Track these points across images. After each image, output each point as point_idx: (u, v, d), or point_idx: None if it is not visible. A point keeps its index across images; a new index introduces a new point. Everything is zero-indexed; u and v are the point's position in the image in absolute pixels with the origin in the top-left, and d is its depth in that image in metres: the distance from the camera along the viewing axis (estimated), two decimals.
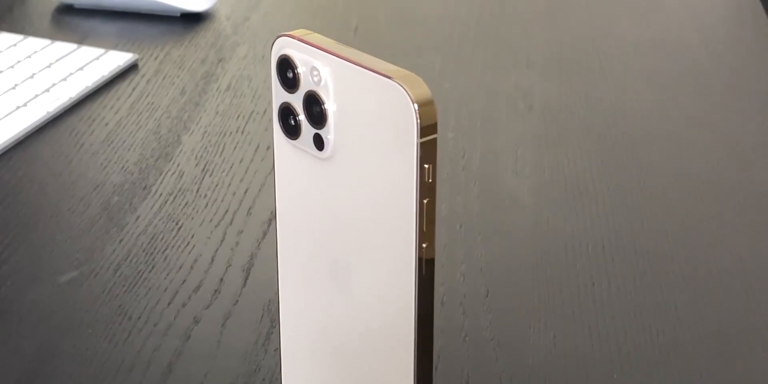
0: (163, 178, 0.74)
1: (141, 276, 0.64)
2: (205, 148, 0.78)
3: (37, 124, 0.80)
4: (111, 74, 0.88)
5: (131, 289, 0.62)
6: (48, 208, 0.71)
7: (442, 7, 1.04)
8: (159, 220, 0.69)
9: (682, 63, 0.93)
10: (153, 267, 0.64)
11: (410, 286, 0.43)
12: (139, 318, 0.60)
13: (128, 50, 0.91)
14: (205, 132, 0.80)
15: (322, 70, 0.43)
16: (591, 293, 0.63)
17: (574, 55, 0.95)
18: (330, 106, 0.44)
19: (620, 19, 1.02)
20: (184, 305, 0.61)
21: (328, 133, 0.44)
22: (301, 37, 0.44)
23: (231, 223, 0.69)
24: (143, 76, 0.88)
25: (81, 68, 0.87)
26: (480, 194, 0.73)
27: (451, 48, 0.95)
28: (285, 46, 0.45)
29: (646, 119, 0.83)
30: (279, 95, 0.46)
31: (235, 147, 0.78)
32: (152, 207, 0.70)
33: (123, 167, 0.75)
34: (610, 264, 0.66)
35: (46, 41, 0.92)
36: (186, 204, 0.71)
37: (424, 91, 0.41)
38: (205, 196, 0.72)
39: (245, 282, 0.63)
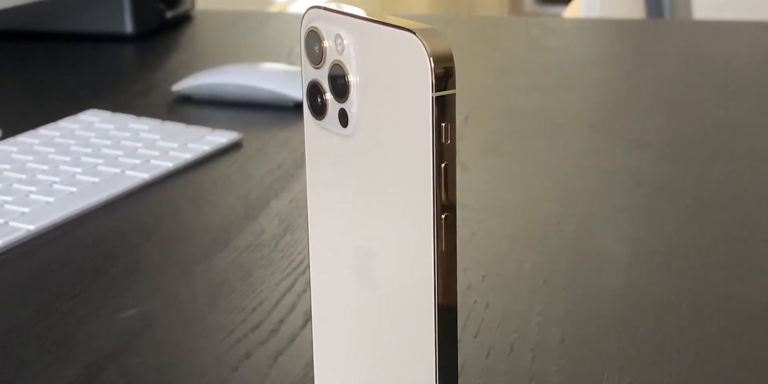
0: (243, 235, 0.72)
1: (201, 315, 0.61)
2: (291, 211, 0.76)
3: (131, 188, 0.80)
4: (213, 150, 0.88)
5: (188, 326, 0.60)
6: (122, 257, 0.69)
7: (554, 96, 1.02)
8: (230, 269, 0.67)
9: None
10: (215, 308, 0.62)
11: (429, 268, 0.40)
12: (190, 350, 0.57)
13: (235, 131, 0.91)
14: (294, 198, 0.78)
15: (345, 37, 0.42)
16: (677, 345, 0.57)
17: (692, 140, 0.90)
18: (353, 76, 0.42)
19: (745, 110, 0.98)
20: (238, 341, 0.58)
21: (352, 106, 0.42)
22: (328, 6, 0.43)
23: (303, 273, 0.66)
24: (245, 152, 0.88)
25: (185, 144, 0.88)
26: (571, 255, 0.68)
27: (560, 133, 0.92)
28: (313, 19, 0.43)
29: (766, 199, 0.78)
30: (308, 74, 0.44)
31: None
32: (226, 258, 0.68)
33: (205, 225, 0.74)
34: (704, 321, 0.60)
35: (156, 121, 0.93)
36: (261, 257, 0.69)
37: (442, 43, 0.38)
38: (282, 250, 0.70)
39: (305, 323, 0.60)
